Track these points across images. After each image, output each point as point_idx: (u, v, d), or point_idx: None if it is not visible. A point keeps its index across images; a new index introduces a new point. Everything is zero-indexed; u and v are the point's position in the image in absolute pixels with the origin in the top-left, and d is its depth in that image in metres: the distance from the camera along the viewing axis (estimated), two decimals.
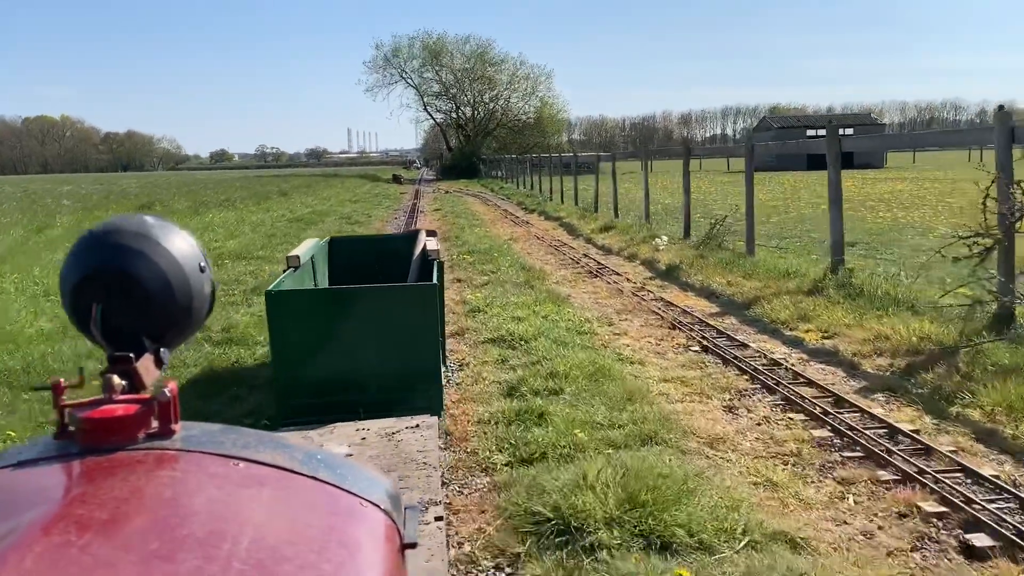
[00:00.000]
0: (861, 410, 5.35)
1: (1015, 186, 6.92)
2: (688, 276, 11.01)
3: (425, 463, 3.26)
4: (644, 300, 9.53)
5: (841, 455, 4.66)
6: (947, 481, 4.14)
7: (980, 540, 3.57)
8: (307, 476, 0.99)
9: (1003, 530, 3.62)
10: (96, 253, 1.12)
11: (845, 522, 3.81)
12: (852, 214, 21.33)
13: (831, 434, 4.99)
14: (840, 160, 10.03)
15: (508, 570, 3.36)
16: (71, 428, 0.96)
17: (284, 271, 5.62)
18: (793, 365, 6.49)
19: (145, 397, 1.00)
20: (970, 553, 3.51)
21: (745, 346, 7.14)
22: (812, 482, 4.29)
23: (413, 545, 1.04)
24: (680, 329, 7.89)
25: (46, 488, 0.89)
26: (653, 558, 3.32)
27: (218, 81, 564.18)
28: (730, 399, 5.73)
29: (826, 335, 7.51)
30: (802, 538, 3.53)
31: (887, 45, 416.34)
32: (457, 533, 3.66)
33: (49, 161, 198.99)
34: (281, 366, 4.81)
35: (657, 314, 8.66)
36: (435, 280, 5.38)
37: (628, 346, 7.27)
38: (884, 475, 4.34)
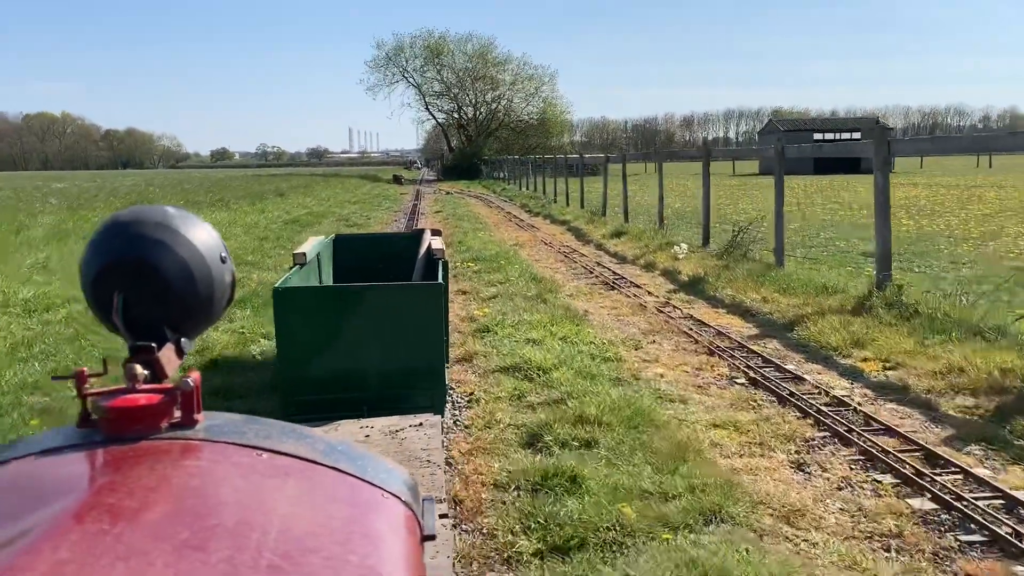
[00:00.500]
0: (962, 470, 4.37)
1: None
2: (716, 290, 10.02)
3: (429, 461, 3.22)
4: (671, 318, 8.54)
5: (957, 539, 3.67)
6: None
7: None
8: (329, 467, 0.99)
9: None
10: (118, 242, 1.11)
11: None
12: (874, 222, 20.37)
13: (935, 506, 4.00)
14: (888, 164, 9.03)
15: None
16: (94, 417, 0.97)
17: (290, 268, 5.65)
18: (860, 405, 5.51)
19: (168, 387, 1.01)
20: None
21: (799, 379, 6.15)
22: None
23: (432, 537, 1.03)
24: (719, 355, 6.90)
25: (73, 476, 0.89)
26: None
27: (220, 79, 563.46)
28: (797, 452, 4.75)
29: (887, 365, 6.53)
30: None
31: (889, 49, 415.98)
32: None
33: (49, 158, 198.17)
34: (286, 363, 4.81)
35: (689, 336, 7.68)
36: (440, 279, 5.29)
37: (663, 377, 6.28)
38: (1022, 571, 3.37)
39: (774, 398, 5.77)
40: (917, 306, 7.95)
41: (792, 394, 5.78)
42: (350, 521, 0.90)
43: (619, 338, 7.56)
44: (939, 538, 3.68)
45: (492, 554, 3.44)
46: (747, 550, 3.30)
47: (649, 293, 10.16)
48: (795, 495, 4.10)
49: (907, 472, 4.36)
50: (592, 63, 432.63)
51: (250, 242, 15.69)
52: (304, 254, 5.78)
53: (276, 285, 4.84)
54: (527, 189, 37.88)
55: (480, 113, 73.40)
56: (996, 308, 7.96)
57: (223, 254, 1.18)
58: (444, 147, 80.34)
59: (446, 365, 5.43)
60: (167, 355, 1.07)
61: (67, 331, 7.38)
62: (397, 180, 56.46)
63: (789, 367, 6.51)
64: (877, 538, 3.69)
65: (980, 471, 4.37)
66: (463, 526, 3.72)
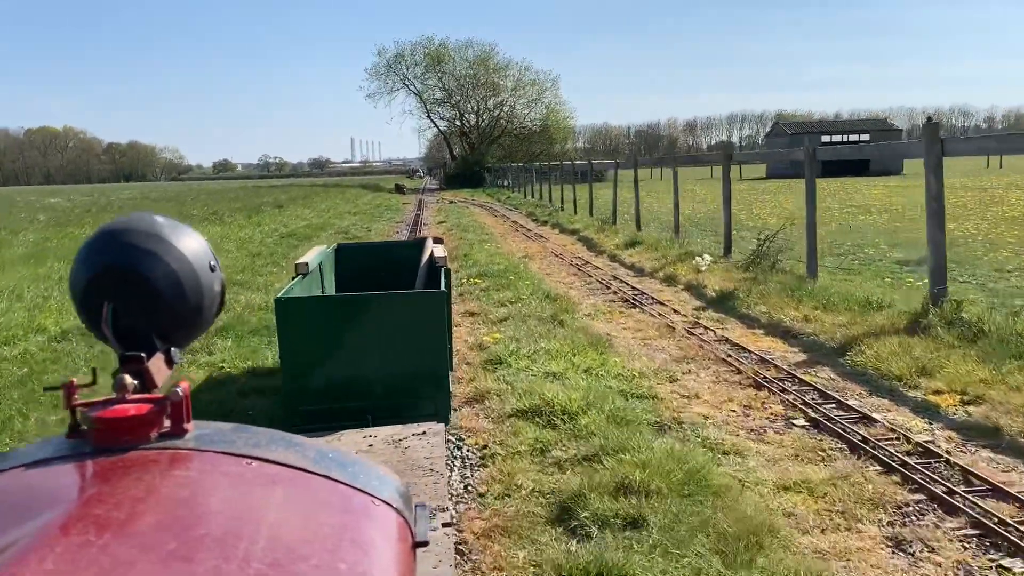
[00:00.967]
0: None
1: None
2: (748, 307, 9.09)
3: (432, 470, 3.20)
4: (705, 342, 7.62)
5: None
6: None
7: None
8: (319, 475, 0.98)
9: None
10: (107, 252, 1.09)
11: None
12: (898, 226, 19.43)
13: None
14: (941, 166, 8.11)
15: None
16: (83, 427, 0.95)
17: (292, 278, 5.69)
18: (951, 454, 4.60)
19: (157, 396, 1.00)
20: None
21: (869, 420, 5.23)
22: None
23: (424, 543, 1.02)
24: (768, 389, 5.98)
25: (61, 488, 0.88)
26: None
27: (221, 91, 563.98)
28: (891, 523, 3.83)
29: (965, 399, 5.62)
30: None
31: (891, 51, 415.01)
32: None
33: (52, 172, 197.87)
34: (289, 373, 4.81)
35: (728, 363, 6.76)
36: (443, 287, 5.22)
37: (708, 419, 5.36)
38: None
39: (844, 446, 4.86)
40: (981, 325, 7.05)
41: (865, 440, 4.87)
42: (340, 528, 0.90)
43: (650, 368, 6.64)
44: None
45: None
46: None
47: (675, 311, 9.24)
48: None
49: None
50: (594, 70, 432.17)
51: (241, 259, 14.79)
52: (306, 264, 5.83)
53: (278, 295, 4.86)
54: (532, 197, 36.94)
55: (482, 120, 72.51)
56: None
57: (212, 263, 1.17)
58: (446, 155, 79.50)
59: (450, 371, 5.36)
60: (157, 365, 1.07)
61: (19, 371, 6.46)
62: (399, 189, 55.73)
63: (852, 403, 5.60)
64: None
65: None
66: None
